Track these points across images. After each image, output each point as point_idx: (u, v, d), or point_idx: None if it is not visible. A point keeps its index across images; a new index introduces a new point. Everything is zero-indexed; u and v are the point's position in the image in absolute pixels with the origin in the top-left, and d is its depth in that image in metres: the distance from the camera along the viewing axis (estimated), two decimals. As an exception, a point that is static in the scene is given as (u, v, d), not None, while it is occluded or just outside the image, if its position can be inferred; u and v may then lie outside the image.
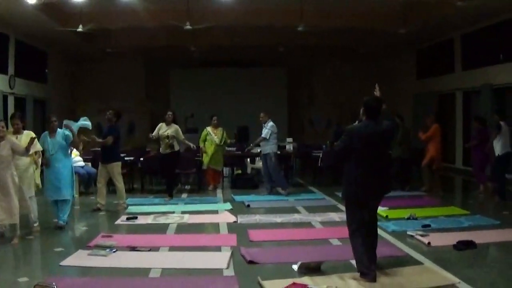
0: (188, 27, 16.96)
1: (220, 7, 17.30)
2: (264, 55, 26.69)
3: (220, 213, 12.49)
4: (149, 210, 12.69)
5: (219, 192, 15.92)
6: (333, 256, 8.29)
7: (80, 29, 16.92)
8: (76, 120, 11.67)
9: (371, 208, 7.32)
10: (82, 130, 11.86)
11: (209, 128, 16.33)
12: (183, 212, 12.41)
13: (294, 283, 6.66)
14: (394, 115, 12.40)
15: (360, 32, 20.65)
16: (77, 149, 14.19)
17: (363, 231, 7.13)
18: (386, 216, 11.28)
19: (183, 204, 13.81)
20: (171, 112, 14.73)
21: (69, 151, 11.22)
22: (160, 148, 14.45)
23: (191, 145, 14.63)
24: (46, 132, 10.77)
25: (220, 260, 8.13)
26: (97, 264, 8.01)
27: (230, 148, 17.81)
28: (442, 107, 21.78)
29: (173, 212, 12.41)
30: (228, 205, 13.39)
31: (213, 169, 16.39)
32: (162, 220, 11.48)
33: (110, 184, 13.42)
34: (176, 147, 14.40)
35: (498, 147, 13.69)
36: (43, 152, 10.56)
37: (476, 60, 19.02)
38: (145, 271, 7.61)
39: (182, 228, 10.76)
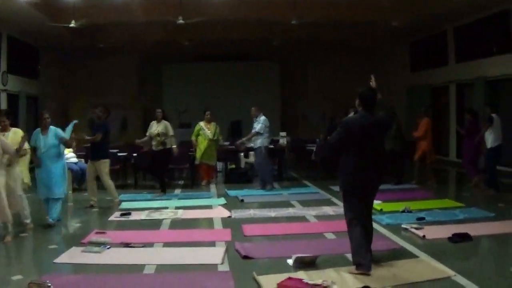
0: (181, 21, 16.89)
1: (212, 1, 17.22)
2: (257, 49, 26.63)
3: (214, 208, 12.43)
4: (143, 206, 12.67)
5: (212, 187, 15.87)
6: (328, 250, 8.27)
7: (72, 24, 16.84)
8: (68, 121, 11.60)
9: (368, 198, 7.34)
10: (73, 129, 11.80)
11: (202, 123, 16.26)
12: (177, 208, 12.36)
13: (289, 278, 6.63)
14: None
15: (353, 25, 20.61)
16: (70, 147, 14.14)
17: (360, 221, 7.14)
18: (381, 209, 11.27)
19: (177, 199, 13.77)
20: (160, 110, 14.84)
21: (62, 150, 11.09)
22: (153, 146, 14.44)
23: (174, 146, 14.57)
24: (39, 129, 10.68)
25: (214, 255, 8.10)
26: (91, 261, 7.96)
27: (224, 143, 17.74)
28: (436, 99, 21.80)
29: (167, 208, 12.37)
30: (222, 200, 13.35)
31: (206, 164, 16.33)
32: (156, 216, 11.42)
33: (100, 180, 13.31)
34: (168, 144, 14.44)
35: (490, 140, 13.69)
36: (34, 149, 10.50)
37: (470, 53, 19.04)
38: (140, 268, 7.57)
39: (176, 224, 10.72)
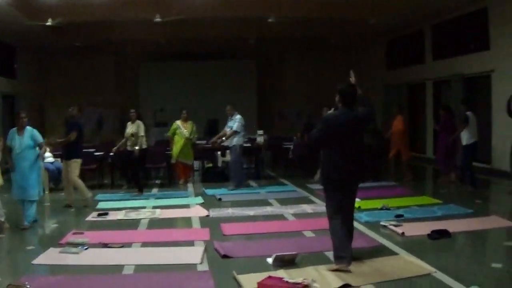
0: (158, 19, 16.84)
1: (189, -1, 17.18)
2: (234, 47, 26.61)
3: (191, 207, 12.39)
4: (120, 205, 12.59)
5: (190, 186, 15.81)
6: (307, 248, 8.25)
7: (49, 23, 16.70)
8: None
9: (349, 194, 7.37)
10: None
11: (178, 122, 16.23)
12: (154, 207, 12.31)
13: (269, 277, 6.60)
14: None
15: (330, 23, 20.59)
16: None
17: (341, 216, 7.17)
18: (359, 207, 11.21)
19: (154, 199, 13.72)
20: (133, 110, 14.90)
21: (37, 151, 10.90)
22: (128, 146, 14.39)
23: (136, 148, 14.42)
24: (15, 129, 10.53)
25: (193, 255, 8.06)
26: (70, 262, 7.90)
27: (199, 142, 17.67)
28: (413, 97, 21.92)
29: (144, 207, 12.30)
30: (200, 199, 13.33)
31: (183, 163, 16.28)
32: (133, 215, 11.35)
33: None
34: (144, 145, 14.48)
35: (465, 137, 13.82)
36: (10, 149, 10.38)
37: (447, 50, 19.13)
38: (119, 268, 7.52)
39: (154, 223, 10.66)
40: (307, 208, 11.75)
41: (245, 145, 15.80)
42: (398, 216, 10.36)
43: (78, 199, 12.75)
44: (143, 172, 15.71)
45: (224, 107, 15.60)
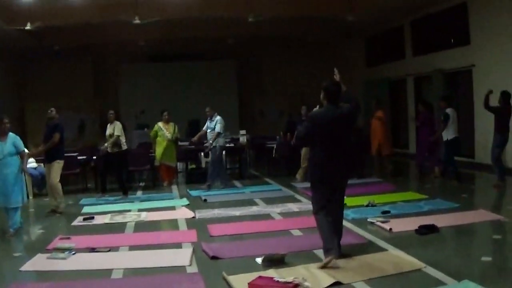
0: (137, 21, 16.78)
1: (168, 0, 17.11)
2: (213, 48, 26.54)
3: (177, 209, 12.36)
4: (105, 209, 12.49)
5: (174, 188, 15.77)
6: (295, 247, 8.22)
7: (28, 27, 16.59)
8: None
9: (337, 190, 7.44)
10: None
11: (160, 124, 16.18)
12: (140, 210, 12.25)
13: (260, 277, 6.59)
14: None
15: (309, 21, 20.65)
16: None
17: (327, 211, 7.25)
18: (345, 204, 11.26)
19: (139, 201, 13.68)
20: (112, 111, 14.79)
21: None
22: (108, 148, 14.30)
23: (105, 145, 14.42)
24: (-3, 135, 10.42)
25: (182, 257, 8.02)
26: (58, 267, 7.82)
27: (182, 143, 17.61)
28: (394, 93, 21.99)
29: (130, 211, 12.25)
30: (185, 201, 13.28)
31: (167, 165, 16.23)
32: (119, 219, 11.29)
33: (63, 184, 12.98)
34: (124, 146, 14.42)
35: (446, 133, 13.91)
36: None
37: (427, 46, 19.20)
38: (107, 272, 7.47)
39: (141, 226, 10.60)
40: (293, 207, 11.75)
41: (228, 145, 15.78)
42: (384, 212, 10.39)
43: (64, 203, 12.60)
44: (126, 174, 15.61)
45: (205, 108, 15.58)
